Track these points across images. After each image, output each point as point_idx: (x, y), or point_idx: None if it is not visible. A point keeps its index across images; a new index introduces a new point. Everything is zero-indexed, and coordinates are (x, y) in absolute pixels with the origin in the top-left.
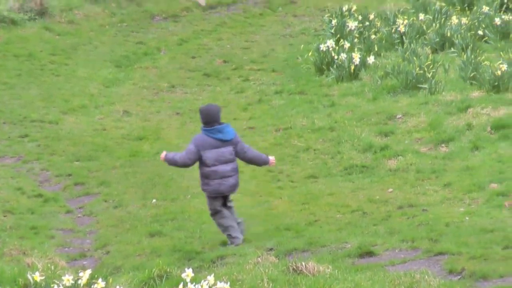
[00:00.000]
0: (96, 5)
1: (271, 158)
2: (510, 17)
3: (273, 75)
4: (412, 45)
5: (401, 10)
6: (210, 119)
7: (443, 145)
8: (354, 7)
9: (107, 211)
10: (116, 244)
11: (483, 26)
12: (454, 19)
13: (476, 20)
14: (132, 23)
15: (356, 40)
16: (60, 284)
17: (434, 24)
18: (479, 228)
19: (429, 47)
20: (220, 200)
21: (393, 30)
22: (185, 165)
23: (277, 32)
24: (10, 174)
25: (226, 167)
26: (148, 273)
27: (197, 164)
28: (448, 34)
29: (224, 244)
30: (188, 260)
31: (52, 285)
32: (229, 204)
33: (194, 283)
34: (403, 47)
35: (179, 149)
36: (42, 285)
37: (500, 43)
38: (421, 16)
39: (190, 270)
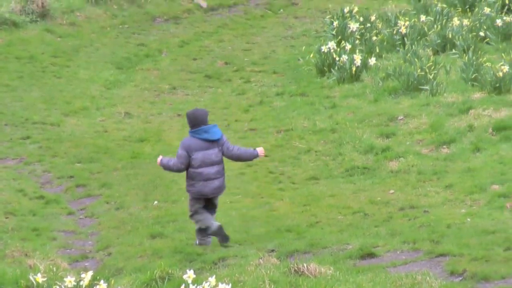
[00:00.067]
0: (97, 7)
1: (259, 149)
2: None
3: (274, 76)
4: (413, 46)
5: (402, 11)
6: (197, 122)
7: (444, 146)
8: (356, 9)
9: (108, 213)
10: (117, 246)
11: (485, 27)
12: (456, 21)
13: (477, 22)
14: (134, 25)
15: (357, 41)
16: (62, 286)
17: (435, 26)
18: (480, 229)
19: (430, 48)
20: (202, 202)
21: (394, 32)
22: (179, 170)
23: (278, 34)
24: (12, 175)
25: (211, 170)
26: (150, 274)
27: None
28: (450, 36)
29: (225, 245)
30: (190, 261)
31: (54, 287)
32: (212, 212)
33: (195, 285)
34: (404, 48)
35: None
36: (44, 286)
37: (501, 44)
38: (423, 17)
39: (192, 271)
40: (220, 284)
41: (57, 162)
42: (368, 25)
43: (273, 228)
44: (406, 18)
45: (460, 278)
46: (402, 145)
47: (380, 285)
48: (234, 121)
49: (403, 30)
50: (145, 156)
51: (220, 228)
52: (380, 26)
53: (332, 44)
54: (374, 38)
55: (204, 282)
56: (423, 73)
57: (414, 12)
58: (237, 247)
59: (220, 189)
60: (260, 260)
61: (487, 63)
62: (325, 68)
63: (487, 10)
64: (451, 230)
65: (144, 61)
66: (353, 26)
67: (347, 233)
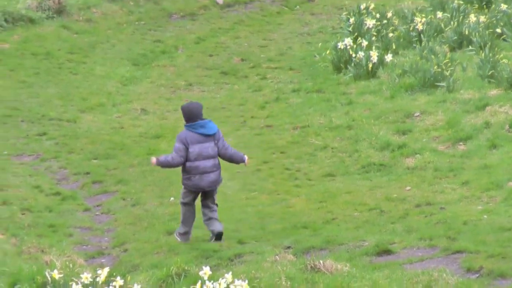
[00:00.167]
0: (113, 3)
1: (246, 157)
2: None
3: (290, 73)
4: (430, 43)
5: (419, 8)
6: (192, 116)
7: (461, 143)
8: (372, 5)
9: (124, 209)
10: (134, 242)
11: (501, 24)
12: (472, 17)
13: (494, 18)
14: (150, 21)
15: (373, 38)
16: (79, 282)
17: (452, 22)
18: (497, 226)
19: (447, 45)
20: (196, 195)
21: (411, 28)
22: (179, 164)
23: (294, 31)
24: (28, 172)
25: (207, 163)
26: (166, 271)
27: None
28: (466, 32)
29: (241, 242)
30: (206, 258)
31: (70, 283)
32: (211, 214)
33: (212, 281)
34: (421, 45)
35: None
36: (61, 282)
37: None
38: (439, 14)
39: (208, 268)
40: (236, 280)
41: (73, 159)
42: (385, 21)
43: (289, 224)
44: (423, 15)
45: (477, 275)
46: (419, 141)
47: (396, 282)
48: (250, 117)
49: (420, 27)
50: (161, 153)
51: (220, 235)
52: (396, 23)
53: (348, 41)
54: (391, 34)
55: (220, 279)
56: (439, 69)
57: (431, 8)
58: (253, 243)
59: (217, 182)
60: (276, 256)
61: (503, 60)
62: (341, 64)
63: (503, 6)
64: (468, 227)
65: (160, 58)
66: (370, 22)
67: (363, 229)
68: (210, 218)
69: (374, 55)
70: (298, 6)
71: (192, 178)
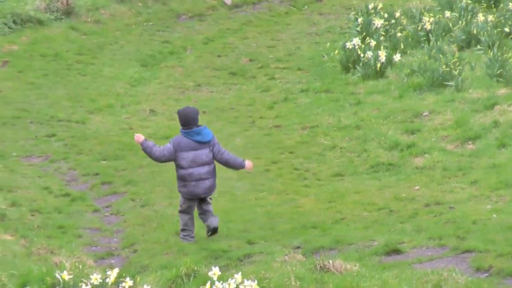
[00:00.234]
0: (122, 5)
1: (247, 162)
2: None
3: (299, 73)
4: (438, 42)
5: (427, 7)
6: (188, 121)
7: (469, 142)
8: (380, 5)
9: (134, 210)
10: (143, 243)
11: (510, 23)
12: (480, 17)
13: (502, 17)
14: (158, 22)
15: (382, 38)
16: (88, 283)
17: (460, 22)
18: (506, 225)
19: (455, 44)
20: (195, 202)
21: (419, 28)
22: (158, 159)
23: (302, 31)
24: (38, 173)
25: (202, 170)
26: (176, 271)
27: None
28: (474, 32)
29: (250, 242)
30: (215, 258)
31: (80, 284)
32: (205, 207)
33: (221, 282)
34: (429, 44)
35: None
36: (70, 284)
37: None
38: (447, 13)
39: (217, 268)
40: (245, 280)
41: (82, 160)
42: (393, 21)
43: (298, 224)
44: (431, 14)
45: (486, 274)
46: (427, 141)
47: (406, 281)
48: (258, 118)
49: (428, 26)
50: None
51: (215, 229)
52: (404, 22)
53: (356, 41)
54: (399, 34)
55: (229, 279)
56: (448, 69)
57: (439, 8)
58: (262, 244)
59: (212, 188)
60: (286, 256)
61: None
62: (349, 64)
63: None
64: (477, 226)
65: (169, 58)
66: (378, 22)
67: (372, 229)
68: (205, 212)
69: (383, 54)
70: (306, 6)
71: (187, 185)
